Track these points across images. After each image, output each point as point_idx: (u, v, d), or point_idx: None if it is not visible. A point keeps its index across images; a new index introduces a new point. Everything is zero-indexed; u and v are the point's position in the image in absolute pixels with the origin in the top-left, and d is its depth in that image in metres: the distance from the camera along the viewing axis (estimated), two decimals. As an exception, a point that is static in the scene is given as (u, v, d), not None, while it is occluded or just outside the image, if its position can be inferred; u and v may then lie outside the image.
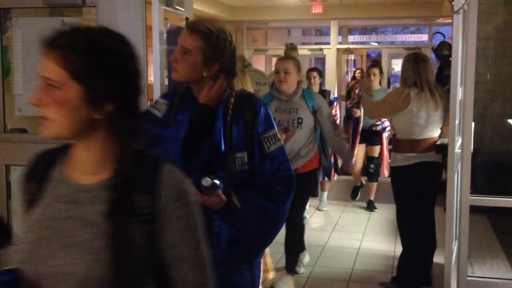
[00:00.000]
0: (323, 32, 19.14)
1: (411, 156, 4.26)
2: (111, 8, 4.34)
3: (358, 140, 7.10)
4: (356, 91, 7.07)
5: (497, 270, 4.95)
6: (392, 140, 4.46)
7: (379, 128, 6.88)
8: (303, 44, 18.57)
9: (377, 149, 7.10)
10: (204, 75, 2.25)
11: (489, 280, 4.00)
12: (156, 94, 4.44)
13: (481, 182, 6.04)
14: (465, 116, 3.71)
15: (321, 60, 15.76)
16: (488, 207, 5.33)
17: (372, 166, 7.08)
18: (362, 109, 6.67)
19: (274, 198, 2.27)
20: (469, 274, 3.96)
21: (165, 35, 4.70)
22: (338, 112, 6.49)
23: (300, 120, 4.45)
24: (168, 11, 4.73)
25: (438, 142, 4.26)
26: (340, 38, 15.17)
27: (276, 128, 2.36)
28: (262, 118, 2.30)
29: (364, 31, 19.81)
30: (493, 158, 6.60)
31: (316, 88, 6.16)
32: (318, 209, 7.12)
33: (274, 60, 15.89)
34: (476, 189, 3.92)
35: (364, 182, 7.54)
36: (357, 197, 7.56)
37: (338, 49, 14.23)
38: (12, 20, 4.68)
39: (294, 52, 4.59)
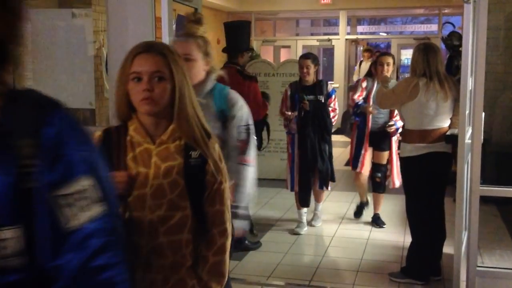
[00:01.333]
0: (331, 22, 19.09)
1: (421, 147, 4.26)
2: (120, 0, 4.35)
3: (367, 143, 5.88)
4: (364, 85, 5.90)
5: (507, 260, 4.94)
6: (402, 131, 4.45)
7: (392, 128, 5.71)
8: (312, 34, 18.54)
9: (385, 155, 5.89)
10: None
11: (499, 270, 4.00)
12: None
13: (490, 173, 6.02)
14: (475, 106, 3.70)
15: (330, 50, 15.72)
16: (498, 198, 5.32)
17: (379, 175, 5.93)
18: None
19: None
20: (479, 265, 3.96)
21: (174, 26, 4.71)
22: (337, 107, 5.80)
23: None
24: (177, 3, 4.74)
25: (448, 133, 4.25)
26: (349, 29, 15.14)
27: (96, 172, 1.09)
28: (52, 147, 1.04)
29: (373, 21, 19.73)
30: (503, 148, 6.57)
31: (310, 79, 5.59)
32: (311, 224, 5.91)
33: (282, 51, 15.91)
34: (485, 179, 3.92)
35: (368, 198, 6.33)
36: (361, 216, 6.29)
37: (346, 40, 14.17)
38: (22, 11, 4.69)
39: (196, 27, 2.86)
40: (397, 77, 8.40)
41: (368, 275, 4.66)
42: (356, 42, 15.64)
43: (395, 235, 5.65)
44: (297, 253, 5.19)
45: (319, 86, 5.67)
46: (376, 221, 6.03)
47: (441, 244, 4.48)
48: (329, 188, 5.87)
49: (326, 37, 14.88)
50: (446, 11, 14.13)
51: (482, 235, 3.97)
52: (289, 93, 5.70)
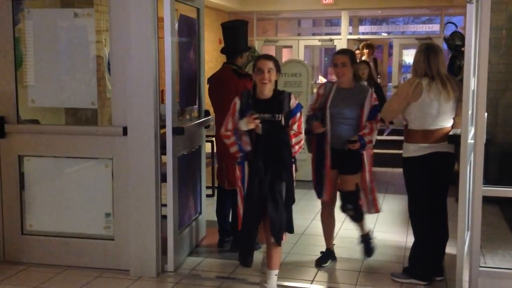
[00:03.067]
0: (333, 22, 19.09)
1: (423, 147, 4.25)
2: (123, 0, 4.35)
3: (328, 166, 4.62)
4: (320, 92, 4.71)
5: (509, 261, 4.93)
6: (404, 131, 4.44)
7: (356, 146, 4.49)
8: (314, 34, 18.53)
9: (353, 179, 4.61)
10: None
11: (502, 271, 4.00)
12: (168, 86, 4.46)
13: (493, 173, 6.01)
14: (478, 106, 3.70)
15: (332, 50, 15.71)
16: (500, 198, 5.30)
17: (350, 207, 4.67)
18: (329, 121, 4.57)
19: None
20: (481, 265, 3.95)
21: (176, 26, 4.71)
22: (303, 130, 4.22)
23: None
24: (179, 3, 4.74)
25: (451, 133, 4.24)
26: (350, 29, 15.12)
27: None
28: None
29: (375, 21, 19.72)
30: (506, 148, 6.56)
31: (267, 91, 4.11)
32: None
33: (284, 51, 15.90)
34: (488, 179, 3.91)
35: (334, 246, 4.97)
36: (326, 265, 4.80)
37: (348, 40, 14.16)
38: (24, 11, 4.71)
39: None
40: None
41: (370, 275, 4.65)
42: (359, 42, 15.64)
43: (397, 235, 5.64)
44: (299, 253, 5.19)
45: (277, 101, 4.13)
46: (365, 242, 4.93)
47: (443, 244, 4.47)
48: (283, 241, 4.12)
49: (328, 37, 14.87)
50: (448, 11, 14.12)
51: (485, 236, 3.97)
52: (238, 107, 4.18)
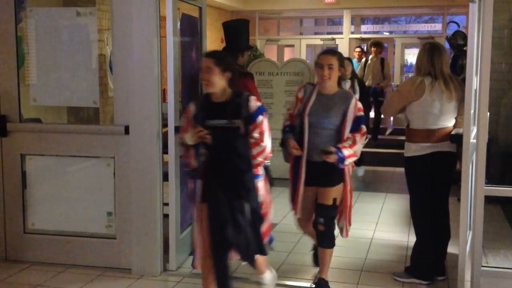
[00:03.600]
0: (335, 21, 19.08)
1: (425, 146, 4.25)
2: (125, -1, 4.35)
3: (301, 183, 4.12)
4: (300, 95, 4.17)
5: (511, 260, 4.93)
6: (406, 130, 4.43)
7: (331, 158, 3.88)
8: (316, 33, 18.53)
9: (332, 192, 4.06)
10: None
11: (503, 270, 3.99)
12: (170, 85, 4.47)
13: (495, 172, 6.00)
14: (480, 105, 3.69)
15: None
16: (502, 198, 5.31)
17: (321, 220, 4.08)
18: (306, 130, 4.02)
19: None
20: (483, 264, 3.95)
21: (178, 25, 4.71)
22: (266, 138, 3.58)
23: None
24: (181, 2, 4.74)
25: (453, 132, 4.24)
26: (352, 28, 15.11)
27: None
28: None
29: (377, 20, 19.70)
30: (508, 148, 6.55)
31: (217, 89, 3.59)
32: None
33: (286, 50, 15.89)
34: (490, 179, 3.91)
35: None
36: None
37: (350, 39, 14.16)
38: (26, 10, 4.71)
39: None
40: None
41: (372, 274, 4.65)
42: (361, 41, 15.62)
43: (399, 235, 5.64)
44: (301, 252, 5.18)
45: (234, 104, 3.56)
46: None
47: (445, 243, 4.47)
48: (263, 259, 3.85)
49: (330, 36, 14.85)
50: (450, 10, 14.10)
51: (487, 235, 3.96)
52: (192, 112, 3.69)
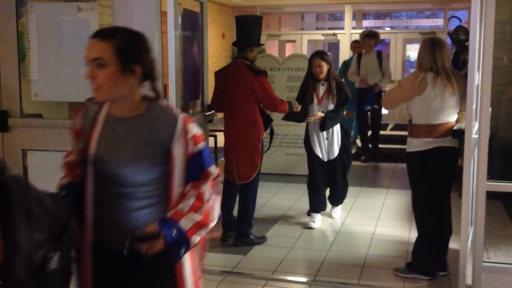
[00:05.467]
0: (337, 17, 19.06)
1: (427, 141, 4.24)
2: (126, -7, 4.34)
3: None
4: (76, 125, 2.62)
5: (513, 256, 4.94)
6: (408, 126, 4.43)
7: (155, 245, 1.98)
8: (317, 29, 18.50)
9: None
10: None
11: (505, 266, 3.98)
12: (171, 80, 4.46)
13: (497, 168, 6.00)
14: (482, 101, 3.69)
15: (335, 45, 15.70)
16: (503, 193, 5.30)
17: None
18: (90, 194, 2.32)
19: None
20: (485, 260, 3.95)
21: (180, 20, 4.71)
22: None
23: None
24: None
25: (455, 127, 4.23)
26: (354, 23, 15.09)
27: None
28: None
29: (379, 15, 19.68)
30: (509, 143, 6.54)
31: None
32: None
33: (287, 45, 15.87)
34: (491, 174, 3.90)
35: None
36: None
37: (352, 34, 14.15)
38: (27, 5, 4.70)
39: None
40: (404, 72, 7.82)
41: (373, 270, 4.65)
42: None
43: (400, 230, 5.64)
44: (303, 247, 5.19)
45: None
46: None
47: (447, 239, 4.47)
48: None
49: (331, 31, 14.84)
50: (452, 5, 14.08)
51: (488, 231, 3.96)
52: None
